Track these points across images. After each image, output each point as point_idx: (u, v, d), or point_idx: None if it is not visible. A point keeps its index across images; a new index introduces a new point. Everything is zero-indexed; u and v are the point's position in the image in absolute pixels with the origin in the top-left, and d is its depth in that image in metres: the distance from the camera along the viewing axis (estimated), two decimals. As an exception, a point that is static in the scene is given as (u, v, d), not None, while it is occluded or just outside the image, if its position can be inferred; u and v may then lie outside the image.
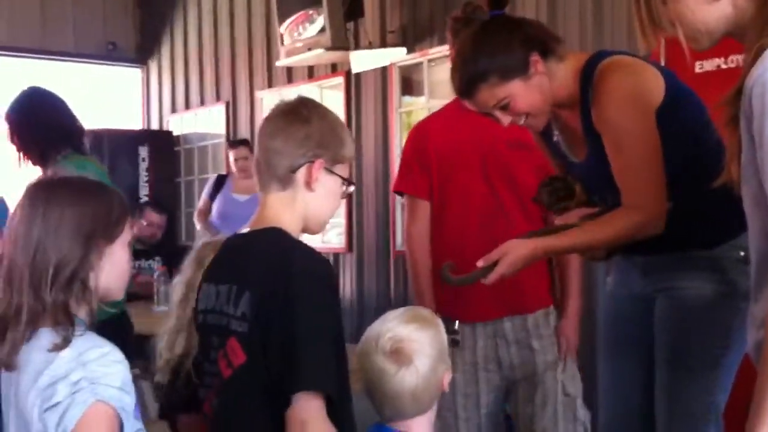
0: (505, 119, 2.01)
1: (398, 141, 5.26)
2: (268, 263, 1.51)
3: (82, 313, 1.41)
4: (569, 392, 2.58)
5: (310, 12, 5.34)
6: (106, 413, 1.32)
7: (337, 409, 1.44)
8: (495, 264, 1.91)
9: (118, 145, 7.25)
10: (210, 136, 7.14)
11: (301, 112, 1.59)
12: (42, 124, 2.90)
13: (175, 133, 7.66)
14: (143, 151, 7.34)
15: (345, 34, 5.24)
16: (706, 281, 1.97)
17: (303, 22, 5.44)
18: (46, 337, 1.36)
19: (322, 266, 1.53)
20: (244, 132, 6.70)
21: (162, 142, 7.57)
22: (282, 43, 5.66)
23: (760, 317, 1.36)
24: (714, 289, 1.96)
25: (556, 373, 2.57)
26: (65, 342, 1.34)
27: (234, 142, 5.80)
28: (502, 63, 1.94)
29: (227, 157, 5.76)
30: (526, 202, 2.45)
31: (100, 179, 1.67)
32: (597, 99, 1.93)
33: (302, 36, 5.46)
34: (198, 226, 5.82)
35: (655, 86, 1.92)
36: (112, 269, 1.44)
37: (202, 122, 7.32)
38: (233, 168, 5.45)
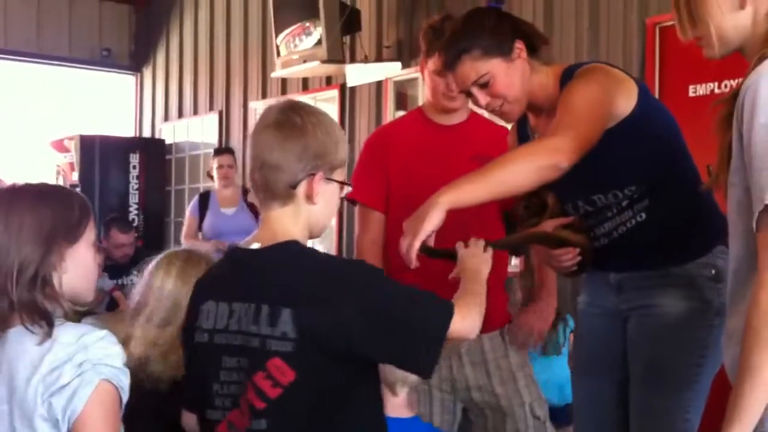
0: (483, 98, 2.01)
1: (391, 156, 5.26)
2: (309, 278, 1.48)
3: (58, 312, 1.44)
4: (538, 415, 2.47)
5: (307, 24, 5.36)
6: (111, 392, 1.39)
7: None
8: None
9: (110, 151, 7.24)
10: (202, 146, 7.13)
11: (295, 121, 1.54)
12: None
13: (167, 142, 7.65)
14: (134, 159, 7.32)
15: (341, 47, 5.25)
16: (681, 299, 1.99)
17: (299, 34, 5.45)
18: (18, 333, 1.41)
19: (360, 261, 1.59)
20: (236, 142, 6.69)
21: (154, 150, 7.55)
22: (278, 55, 5.67)
23: (738, 332, 1.38)
24: (689, 306, 1.98)
25: (523, 397, 2.45)
26: (47, 334, 1.39)
27: (219, 149, 5.78)
28: (487, 40, 1.98)
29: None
30: (485, 217, 2.40)
31: None
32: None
33: (298, 48, 5.47)
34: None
35: (627, 93, 1.95)
36: (77, 269, 1.48)
37: (195, 131, 7.31)
38: (215, 175, 5.43)
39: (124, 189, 7.21)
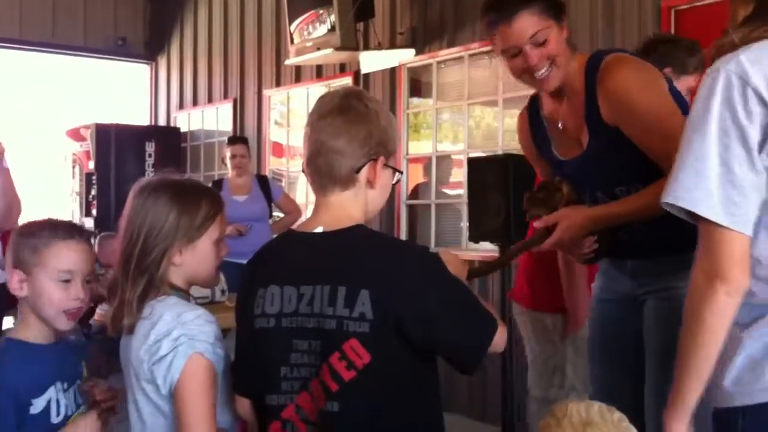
0: (536, 56, 1.99)
1: (405, 142, 5.27)
2: (386, 260, 1.52)
3: (178, 295, 1.70)
4: (535, 395, 2.53)
5: (320, 12, 5.35)
6: (203, 363, 1.59)
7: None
8: (548, 232, 1.99)
9: (125, 140, 7.27)
10: (217, 134, 7.15)
11: (358, 109, 1.58)
12: None
13: (182, 130, 7.67)
14: (150, 147, 7.36)
15: (354, 34, 5.24)
16: None
17: (313, 22, 5.45)
18: (146, 308, 1.67)
19: (426, 247, 1.63)
20: (251, 129, 6.71)
21: (169, 138, 7.58)
22: (291, 42, 5.67)
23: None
24: None
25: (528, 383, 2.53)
26: (150, 310, 1.64)
27: (232, 138, 5.76)
28: (544, 2, 2.01)
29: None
30: None
31: None
32: (612, 94, 1.95)
33: (312, 35, 5.47)
34: None
35: (660, 74, 1.99)
36: (195, 260, 1.71)
37: (210, 119, 7.33)
38: (228, 164, 5.41)
39: (139, 177, 7.24)
